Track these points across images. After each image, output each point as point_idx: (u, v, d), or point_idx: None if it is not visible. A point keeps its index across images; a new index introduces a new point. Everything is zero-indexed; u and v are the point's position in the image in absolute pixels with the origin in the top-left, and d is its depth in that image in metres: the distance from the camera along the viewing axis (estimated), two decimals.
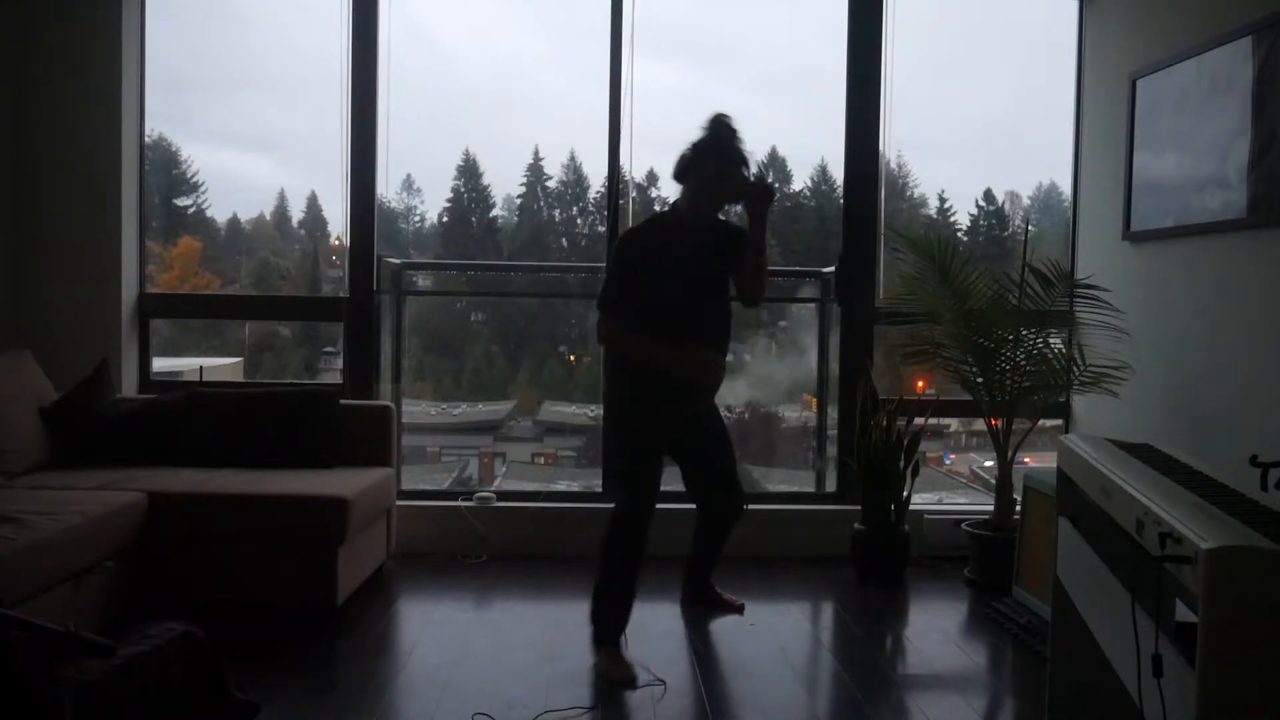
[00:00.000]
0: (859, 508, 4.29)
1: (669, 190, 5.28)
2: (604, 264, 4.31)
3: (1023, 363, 4.07)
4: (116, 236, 4.37)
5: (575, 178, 5.20)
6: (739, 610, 3.73)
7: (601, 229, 4.82)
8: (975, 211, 5.27)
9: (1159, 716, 1.59)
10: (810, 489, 4.84)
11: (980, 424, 4.74)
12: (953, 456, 5.61)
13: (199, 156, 5.03)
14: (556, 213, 5.31)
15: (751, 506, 4.64)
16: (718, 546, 3.75)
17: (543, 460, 5.47)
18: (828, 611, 3.95)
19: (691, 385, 3.31)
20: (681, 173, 3.28)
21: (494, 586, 4.03)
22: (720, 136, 3.25)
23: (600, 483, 4.63)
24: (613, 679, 3.05)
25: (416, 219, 5.29)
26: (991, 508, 4.22)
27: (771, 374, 5.28)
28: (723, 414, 3.63)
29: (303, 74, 4.76)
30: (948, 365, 4.20)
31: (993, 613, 3.74)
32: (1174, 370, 3.76)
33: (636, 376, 3.26)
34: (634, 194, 4.81)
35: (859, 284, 4.60)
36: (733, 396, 5.36)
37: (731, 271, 3.37)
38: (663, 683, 3.03)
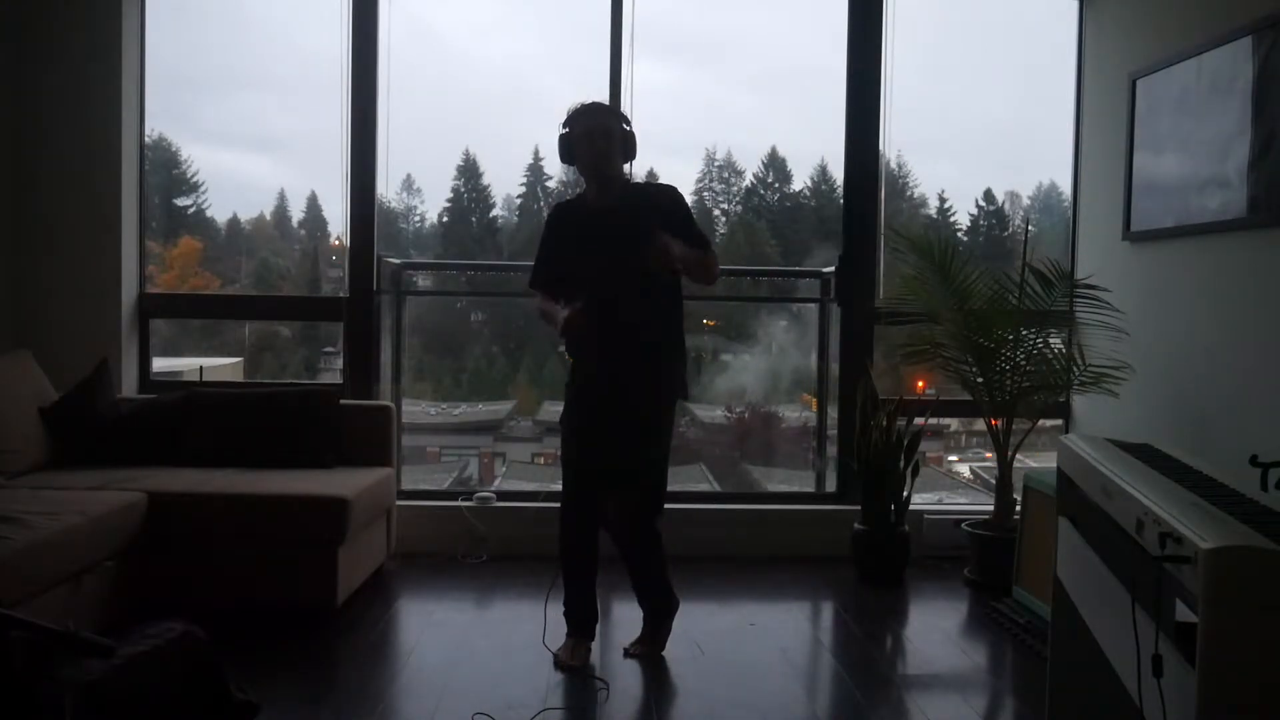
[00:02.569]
0: (859, 508, 4.29)
1: None
2: None
3: (1023, 363, 4.07)
4: (116, 236, 4.37)
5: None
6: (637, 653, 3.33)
7: None
8: (975, 211, 5.27)
9: (1159, 716, 1.59)
10: (810, 489, 4.84)
11: (980, 424, 4.74)
12: (955, 458, 5.62)
13: (199, 156, 5.04)
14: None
15: (752, 506, 4.68)
16: (630, 566, 3.34)
17: (543, 460, 5.47)
18: (828, 611, 3.95)
19: (600, 371, 3.21)
20: (564, 154, 3.30)
21: (494, 586, 4.03)
22: (578, 107, 3.27)
23: None
24: (556, 656, 3.22)
25: (416, 219, 5.29)
26: (991, 508, 4.21)
27: (771, 374, 5.29)
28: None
29: (303, 74, 4.77)
30: (948, 365, 4.20)
31: (993, 613, 3.74)
32: (1174, 370, 3.76)
33: (571, 364, 3.35)
34: None
35: (859, 284, 4.60)
36: (733, 396, 5.37)
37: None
38: (605, 685, 3.03)
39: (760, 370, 5.26)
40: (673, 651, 3.32)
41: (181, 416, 4.00)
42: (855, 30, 4.60)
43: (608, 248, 3.20)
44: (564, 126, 3.28)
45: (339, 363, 4.73)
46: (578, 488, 3.31)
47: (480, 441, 5.53)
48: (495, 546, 4.38)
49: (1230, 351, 3.42)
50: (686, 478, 5.15)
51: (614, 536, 3.31)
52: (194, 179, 5.06)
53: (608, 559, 3.37)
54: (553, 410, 5.40)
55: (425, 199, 5.25)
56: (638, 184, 3.38)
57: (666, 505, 3.90)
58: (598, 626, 3.37)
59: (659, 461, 3.28)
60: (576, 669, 3.16)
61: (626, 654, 3.29)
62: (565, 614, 3.34)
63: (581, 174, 3.31)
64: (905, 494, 4.23)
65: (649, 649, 3.31)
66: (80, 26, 4.30)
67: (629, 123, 3.30)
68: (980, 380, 4.10)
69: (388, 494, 4.06)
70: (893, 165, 4.88)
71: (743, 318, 5.29)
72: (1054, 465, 2.50)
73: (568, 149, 3.28)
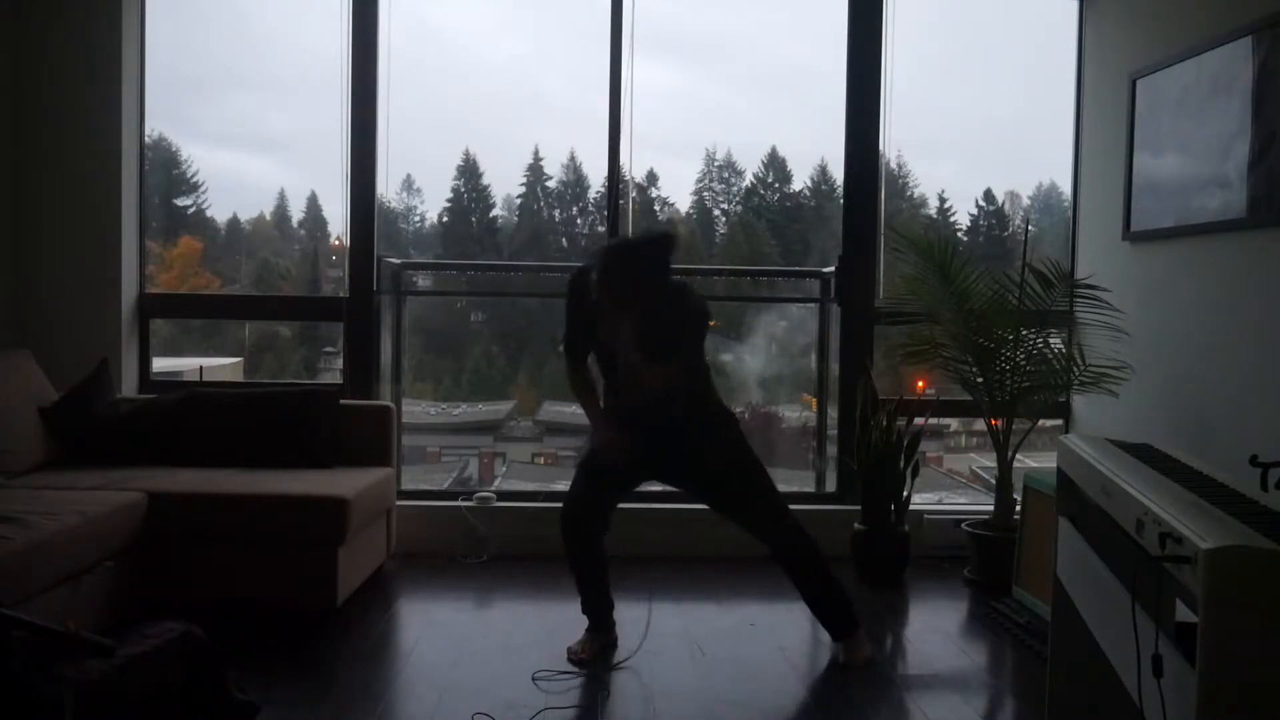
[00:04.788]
0: (859, 508, 4.29)
1: (669, 190, 5.30)
2: None
3: (1023, 363, 4.07)
4: (116, 236, 4.37)
5: (575, 178, 5.20)
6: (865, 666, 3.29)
7: (602, 229, 4.82)
8: (975, 211, 5.27)
9: (1159, 716, 1.59)
10: (810, 489, 4.84)
11: (980, 424, 4.74)
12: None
13: (199, 156, 5.03)
14: (556, 213, 5.32)
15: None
16: (802, 588, 3.36)
17: (543, 460, 5.47)
18: None
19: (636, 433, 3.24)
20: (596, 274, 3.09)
21: (494, 586, 4.03)
22: (605, 264, 3.05)
23: None
24: (570, 649, 3.25)
25: (416, 219, 5.29)
26: (991, 508, 4.21)
27: (771, 374, 5.29)
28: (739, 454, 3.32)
29: (303, 74, 4.77)
30: (948, 365, 4.20)
31: (993, 613, 3.74)
32: (1174, 370, 3.76)
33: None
34: (634, 194, 4.82)
35: (859, 284, 4.60)
36: (733, 397, 5.37)
37: (672, 334, 3.12)
38: (606, 686, 3.04)
39: (760, 370, 5.26)
40: (673, 651, 3.32)
41: (181, 416, 3.99)
42: (855, 30, 4.59)
43: (630, 351, 3.14)
44: (592, 275, 3.07)
45: (339, 363, 4.73)
46: (590, 498, 3.31)
47: (480, 441, 5.53)
48: (495, 546, 4.38)
49: (1230, 351, 3.42)
50: None
51: (776, 555, 3.35)
52: (194, 179, 5.06)
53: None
54: (553, 410, 5.41)
55: (425, 199, 5.25)
56: (668, 288, 3.14)
57: (672, 505, 3.90)
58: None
59: (768, 490, 3.33)
60: (585, 663, 3.17)
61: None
62: (584, 610, 3.36)
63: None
64: (905, 494, 4.23)
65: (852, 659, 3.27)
66: (80, 26, 4.30)
67: (664, 267, 3.04)
68: (980, 380, 4.10)
69: (388, 494, 4.06)
70: (893, 165, 4.88)
71: (743, 318, 5.30)
72: (1054, 465, 2.50)
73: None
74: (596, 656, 3.24)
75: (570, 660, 3.19)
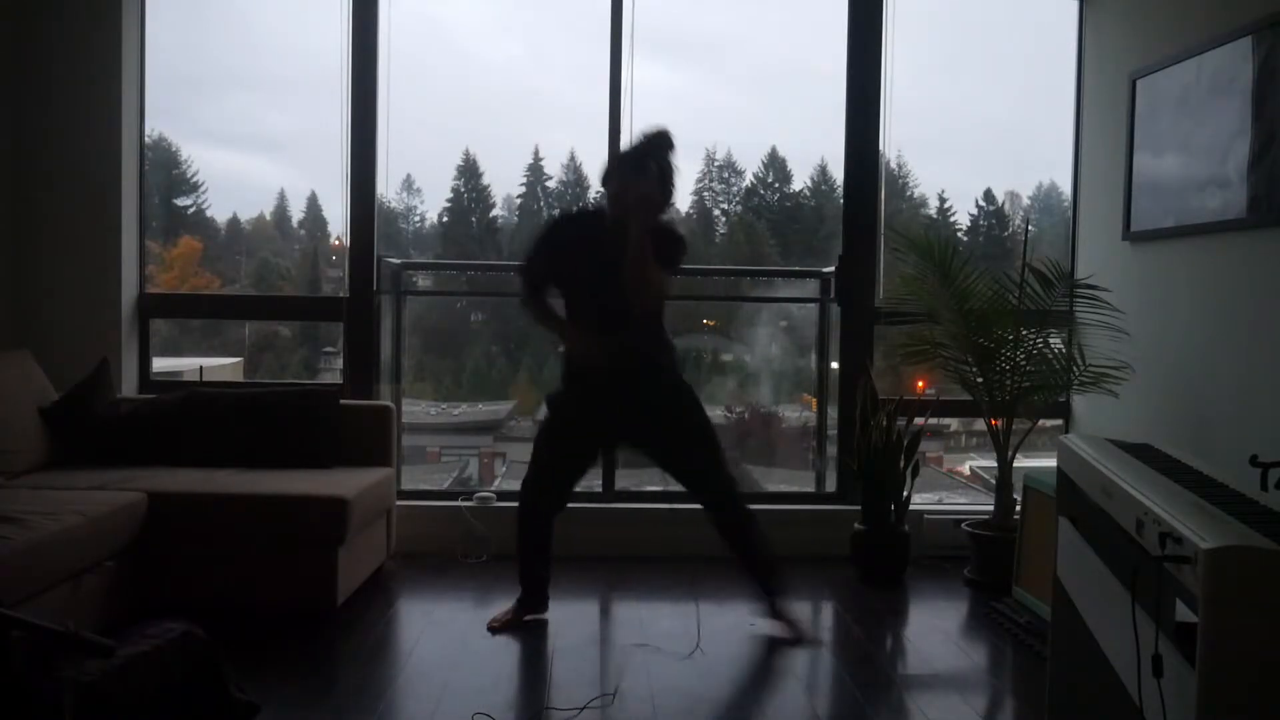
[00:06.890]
0: (859, 508, 4.29)
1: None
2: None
3: (1023, 363, 4.07)
4: (116, 236, 4.37)
5: (575, 178, 5.20)
6: (796, 642, 3.43)
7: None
8: (975, 211, 5.27)
9: (1159, 716, 1.59)
10: (810, 489, 4.84)
11: (980, 424, 4.74)
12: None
13: (199, 156, 5.03)
14: (556, 213, 5.30)
15: (752, 506, 4.66)
16: (739, 552, 3.59)
17: None
18: (828, 611, 3.95)
19: (609, 384, 3.38)
20: (603, 179, 3.48)
21: (494, 586, 4.03)
22: (632, 153, 3.41)
23: (600, 482, 4.63)
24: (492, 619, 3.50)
25: (416, 219, 5.29)
26: (991, 508, 4.22)
27: (771, 374, 5.29)
28: (710, 413, 3.61)
29: (303, 74, 4.77)
30: (948, 365, 4.20)
31: (993, 613, 3.74)
32: (1174, 370, 3.76)
33: (568, 371, 3.53)
34: None
35: (859, 284, 4.60)
36: (733, 397, 5.37)
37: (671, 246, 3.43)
38: (613, 689, 3.01)
39: (760, 370, 5.26)
40: (673, 651, 3.32)
41: (181, 416, 3.99)
42: (855, 30, 4.59)
43: (605, 270, 3.32)
44: (611, 161, 3.48)
45: (339, 363, 4.73)
46: (555, 477, 3.51)
47: (480, 441, 5.53)
48: (495, 546, 4.38)
49: (1230, 351, 3.42)
50: None
51: (712, 518, 3.55)
52: (194, 179, 5.06)
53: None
54: None
55: (425, 199, 5.25)
56: (660, 227, 3.47)
57: (674, 505, 3.91)
58: (597, 628, 3.38)
59: (721, 455, 3.54)
60: (498, 631, 3.42)
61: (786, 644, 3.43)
62: (521, 581, 3.54)
63: (609, 208, 3.43)
64: (905, 494, 4.23)
65: (794, 632, 3.47)
66: (80, 27, 4.30)
67: (670, 166, 3.38)
68: (980, 380, 4.10)
69: (388, 494, 4.06)
70: (893, 165, 4.88)
71: (743, 317, 5.29)
72: (1054, 465, 2.50)
73: (605, 179, 3.45)
74: (516, 627, 3.42)
75: (489, 629, 3.40)
